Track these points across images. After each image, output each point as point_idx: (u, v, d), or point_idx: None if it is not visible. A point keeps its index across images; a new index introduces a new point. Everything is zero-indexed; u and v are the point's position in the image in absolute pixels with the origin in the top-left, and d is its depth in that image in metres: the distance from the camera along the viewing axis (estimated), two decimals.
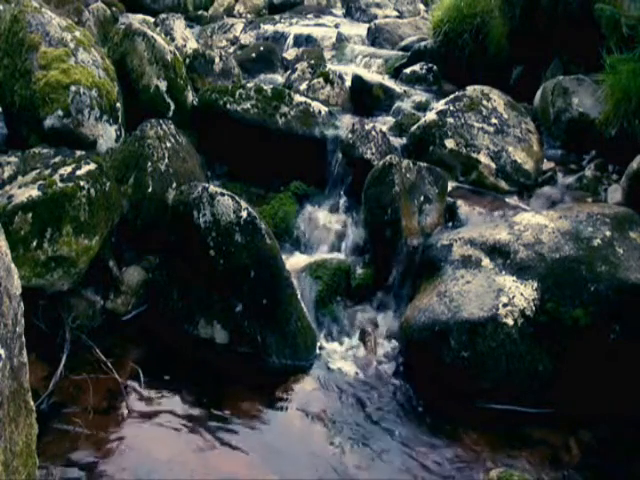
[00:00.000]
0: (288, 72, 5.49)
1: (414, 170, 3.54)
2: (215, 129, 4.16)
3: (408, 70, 5.57)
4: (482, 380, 2.84)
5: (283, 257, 3.27)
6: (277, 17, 8.13)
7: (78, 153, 3.19)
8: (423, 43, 5.99)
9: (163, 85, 4.04)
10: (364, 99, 4.93)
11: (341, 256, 3.68)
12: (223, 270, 3.07)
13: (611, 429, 2.74)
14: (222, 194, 3.12)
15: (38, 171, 3.03)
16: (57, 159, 3.12)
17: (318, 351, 3.17)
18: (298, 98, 4.23)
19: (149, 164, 3.48)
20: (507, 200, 3.86)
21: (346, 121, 4.33)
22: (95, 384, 2.74)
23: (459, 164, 4.02)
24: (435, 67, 5.49)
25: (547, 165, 4.16)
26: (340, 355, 3.16)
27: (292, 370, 3.04)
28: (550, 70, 4.84)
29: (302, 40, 6.97)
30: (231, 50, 6.93)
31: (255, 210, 3.21)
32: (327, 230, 3.85)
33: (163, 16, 5.89)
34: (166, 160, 3.55)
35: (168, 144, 3.60)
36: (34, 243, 2.80)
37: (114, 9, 6.87)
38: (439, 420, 2.80)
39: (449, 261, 3.15)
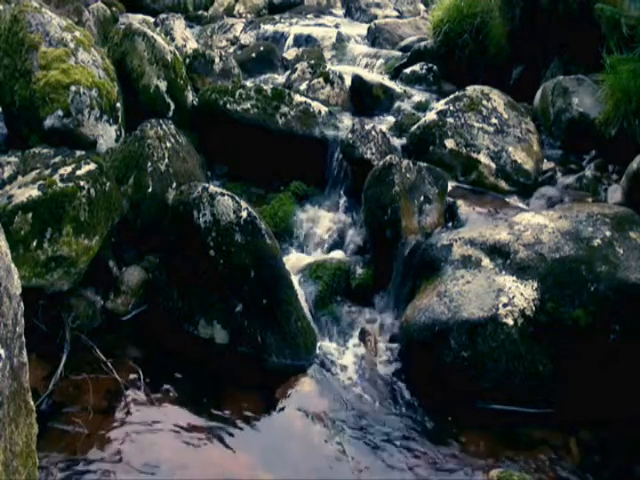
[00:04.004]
0: (288, 72, 5.49)
1: (414, 170, 3.54)
2: (215, 129, 4.16)
3: (408, 70, 5.58)
4: (482, 380, 2.84)
5: (283, 257, 3.27)
6: (277, 17, 8.13)
7: (78, 153, 3.19)
8: (423, 43, 5.99)
9: (163, 85, 4.04)
10: (364, 99, 4.94)
11: (341, 256, 3.68)
12: (223, 270, 3.07)
13: (611, 429, 2.74)
14: (222, 194, 3.12)
15: (38, 171, 3.03)
16: (57, 159, 3.12)
17: (318, 351, 3.16)
18: (298, 98, 4.23)
19: (149, 164, 3.48)
20: (507, 200, 3.86)
21: (346, 121, 4.33)
22: (95, 384, 2.74)
23: (459, 164, 4.02)
24: (435, 67, 5.50)
25: (547, 165, 4.15)
26: (340, 355, 3.16)
27: (292, 370, 3.03)
28: (550, 70, 4.84)
29: (302, 40, 6.97)
30: (231, 50, 6.93)
31: (255, 210, 3.21)
32: (327, 230, 3.85)
33: (163, 16, 5.89)
34: (166, 160, 3.55)
35: (168, 144, 3.60)
36: (34, 243, 2.80)
37: (114, 9, 6.88)
38: (439, 420, 2.80)
39: (449, 261, 3.15)
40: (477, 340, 2.83)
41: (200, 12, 8.96)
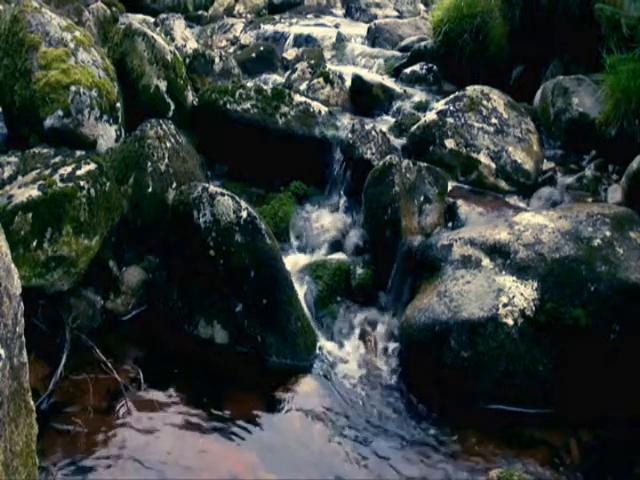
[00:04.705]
0: (288, 72, 5.49)
1: (414, 170, 3.54)
2: (215, 129, 4.16)
3: (408, 70, 5.58)
4: (482, 380, 2.84)
5: (283, 257, 3.27)
6: (277, 17, 8.12)
7: (78, 153, 3.19)
8: (423, 43, 5.99)
9: (163, 85, 4.04)
10: (364, 99, 4.93)
11: (341, 256, 3.68)
12: (223, 270, 3.07)
13: (611, 429, 2.74)
14: (222, 194, 3.12)
15: (38, 171, 3.03)
16: (57, 159, 3.12)
17: (318, 351, 3.17)
18: (298, 98, 4.23)
19: (149, 164, 3.48)
20: (507, 200, 3.86)
21: (346, 121, 4.33)
22: (95, 384, 2.74)
23: (459, 164, 4.02)
24: (435, 67, 5.49)
25: (547, 165, 4.15)
26: (340, 355, 3.16)
27: (292, 370, 3.03)
28: (550, 70, 4.84)
29: (302, 40, 6.96)
30: (231, 50, 6.93)
31: (255, 210, 3.21)
32: (327, 230, 3.85)
33: (163, 16, 5.89)
34: (166, 160, 3.55)
35: (168, 144, 3.60)
36: (34, 243, 2.80)
37: (114, 9, 6.87)
38: (439, 420, 2.80)
39: (449, 261, 3.15)
40: (477, 340, 2.83)
41: (200, 12, 8.96)
